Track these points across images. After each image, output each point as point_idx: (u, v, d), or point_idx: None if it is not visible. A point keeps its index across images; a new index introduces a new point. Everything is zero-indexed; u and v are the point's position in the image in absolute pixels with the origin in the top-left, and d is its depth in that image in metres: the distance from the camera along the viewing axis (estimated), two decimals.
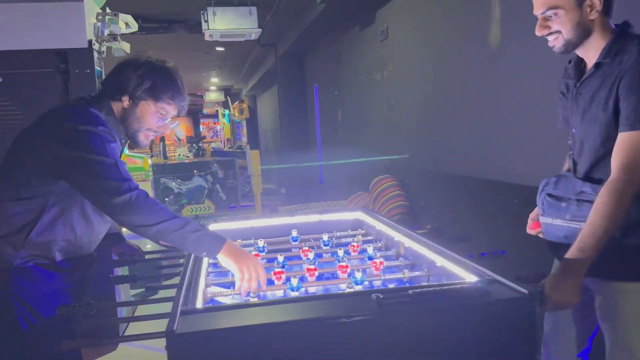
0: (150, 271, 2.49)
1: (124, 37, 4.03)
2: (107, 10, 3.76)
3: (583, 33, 1.50)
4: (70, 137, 1.60)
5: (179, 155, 12.84)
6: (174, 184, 8.67)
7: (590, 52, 1.54)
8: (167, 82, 1.75)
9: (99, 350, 3.40)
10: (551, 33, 1.53)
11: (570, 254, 1.42)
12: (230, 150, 12.56)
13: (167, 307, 1.51)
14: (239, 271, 1.55)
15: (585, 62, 1.59)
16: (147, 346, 3.55)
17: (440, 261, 1.63)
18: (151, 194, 10.84)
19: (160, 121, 1.78)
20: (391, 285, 1.67)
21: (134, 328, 3.73)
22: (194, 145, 11.73)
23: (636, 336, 1.47)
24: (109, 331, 3.18)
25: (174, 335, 1.08)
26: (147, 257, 2.36)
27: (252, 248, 2.12)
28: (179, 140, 14.76)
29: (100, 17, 3.56)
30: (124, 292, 3.73)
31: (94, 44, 3.42)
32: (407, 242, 1.91)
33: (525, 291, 1.24)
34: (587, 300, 1.56)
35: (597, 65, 1.51)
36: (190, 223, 1.58)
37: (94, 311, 1.41)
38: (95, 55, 3.41)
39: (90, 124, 1.63)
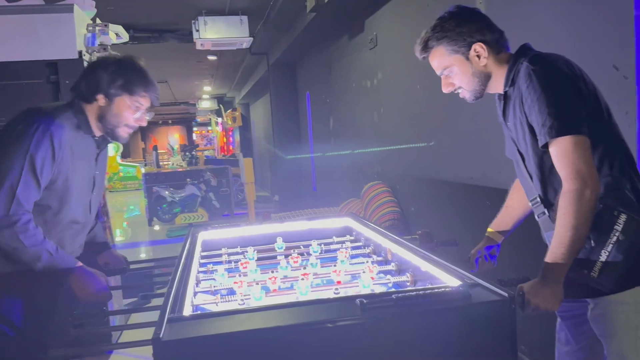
0: (142, 280, 2.50)
1: (115, 47, 4.06)
2: (98, 21, 3.79)
3: (482, 79, 1.60)
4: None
5: (172, 164, 12.87)
6: (167, 192, 8.68)
7: (499, 88, 1.62)
8: (139, 76, 1.84)
9: None
10: (456, 89, 1.63)
11: (545, 262, 1.45)
12: (224, 158, 12.60)
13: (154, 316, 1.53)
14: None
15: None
16: (140, 356, 3.55)
17: (425, 266, 1.66)
18: (144, 202, 10.67)
19: (136, 114, 1.86)
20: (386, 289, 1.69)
21: (127, 337, 3.74)
22: (187, 153, 11.77)
23: (628, 343, 1.48)
24: (101, 340, 3.19)
25: (160, 342, 1.10)
26: (140, 265, 2.37)
27: (241, 256, 2.14)
28: (173, 149, 14.79)
29: (90, 28, 3.59)
30: (116, 301, 3.74)
31: (84, 55, 3.44)
32: (394, 248, 1.94)
33: (506, 294, 1.26)
34: (584, 314, 1.59)
35: (505, 95, 1.59)
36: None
37: (106, 318, 1.44)
38: (86, 65, 3.44)
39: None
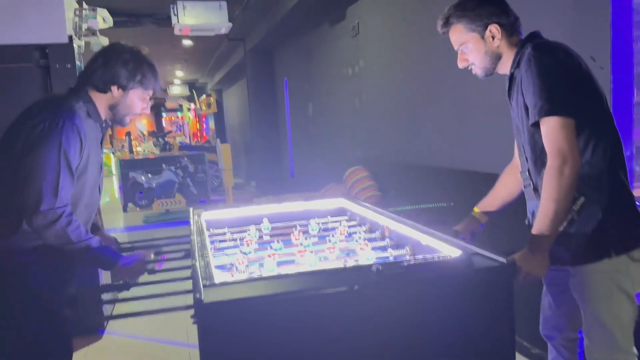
0: None
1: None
2: (84, 5, 3.79)
3: (493, 58, 1.76)
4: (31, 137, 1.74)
5: (144, 150, 12.67)
6: (143, 178, 8.63)
7: (507, 69, 1.78)
8: (152, 70, 1.96)
9: (83, 341, 3.47)
10: (469, 65, 1.80)
11: (532, 233, 1.62)
12: (198, 144, 12.52)
13: (148, 290, 1.63)
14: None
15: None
16: (130, 335, 3.63)
17: (423, 239, 1.81)
18: (117, 189, 10.49)
19: (144, 104, 1.99)
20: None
21: (119, 311, 3.82)
22: (160, 139, 11.65)
23: (604, 308, 1.65)
24: (95, 316, 3.27)
25: (202, 304, 1.21)
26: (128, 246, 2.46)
27: (246, 234, 2.25)
28: (144, 135, 14.58)
29: (77, 12, 3.59)
30: (105, 278, 3.79)
31: (75, 40, 3.45)
32: (392, 225, 2.08)
33: (504, 260, 1.42)
34: (567, 281, 1.76)
35: (512, 76, 1.75)
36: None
37: (129, 289, 1.54)
38: (76, 50, 3.44)
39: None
